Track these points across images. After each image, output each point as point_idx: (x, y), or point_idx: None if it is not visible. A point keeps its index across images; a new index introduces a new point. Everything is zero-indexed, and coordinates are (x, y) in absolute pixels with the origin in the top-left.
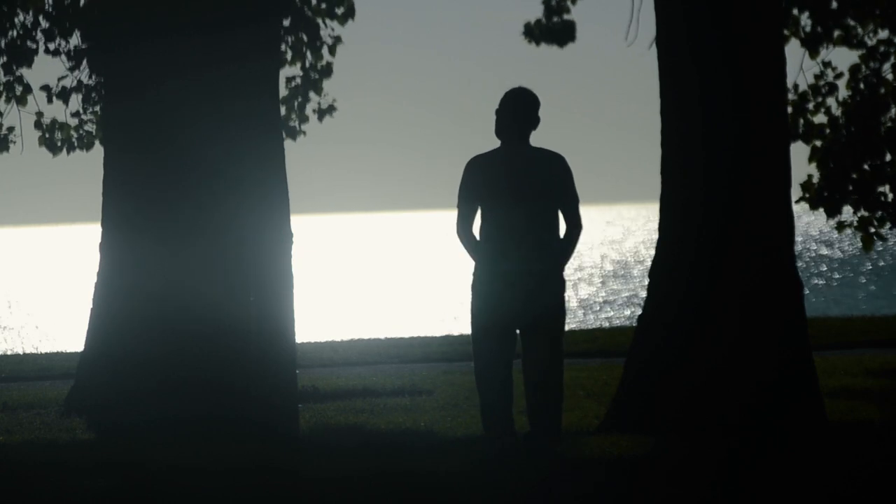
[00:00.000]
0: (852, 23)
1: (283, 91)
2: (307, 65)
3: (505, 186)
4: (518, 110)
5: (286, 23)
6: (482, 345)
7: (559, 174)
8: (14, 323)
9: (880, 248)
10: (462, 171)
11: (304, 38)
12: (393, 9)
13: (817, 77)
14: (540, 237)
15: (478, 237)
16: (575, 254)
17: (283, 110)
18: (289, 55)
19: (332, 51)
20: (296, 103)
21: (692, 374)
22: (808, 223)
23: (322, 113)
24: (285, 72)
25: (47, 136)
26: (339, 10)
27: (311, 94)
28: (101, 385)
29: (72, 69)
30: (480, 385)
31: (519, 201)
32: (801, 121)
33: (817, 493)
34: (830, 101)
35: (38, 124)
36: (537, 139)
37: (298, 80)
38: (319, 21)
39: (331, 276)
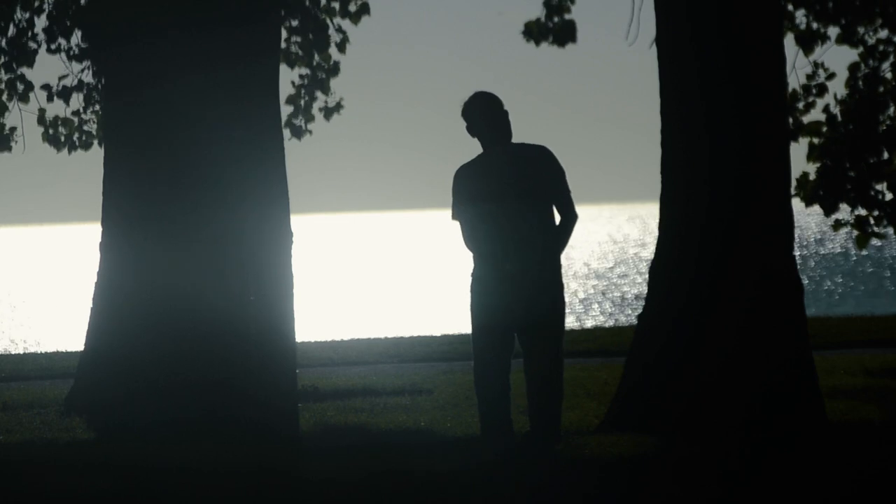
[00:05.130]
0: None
1: (289, 90)
2: (314, 63)
3: (497, 189)
4: (496, 116)
5: (294, 23)
6: (482, 346)
7: (547, 166)
8: (14, 323)
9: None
10: (452, 182)
11: (311, 37)
12: (395, 8)
13: (809, 77)
14: (536, 236)
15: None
16: (569, 246)
17: (289, 109)
18: (297, 54)
19: (340, 48)
20: (302, 102)
21: (692, 374)
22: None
23: (329, 111)
24: (293, 71)
25: (51, 131)
26: (353, 7)
27: (318, 94)
28: (101, 385)
29: (72, 68)
30: (479, 386)
31: (512, 201)
32: (790, 119)
33: (818, 493)
34: (821, 101)
35: (41, 120)
36: (533, 137)
37: (305, 81)
38: (327, 20)
39: (331, 276)
